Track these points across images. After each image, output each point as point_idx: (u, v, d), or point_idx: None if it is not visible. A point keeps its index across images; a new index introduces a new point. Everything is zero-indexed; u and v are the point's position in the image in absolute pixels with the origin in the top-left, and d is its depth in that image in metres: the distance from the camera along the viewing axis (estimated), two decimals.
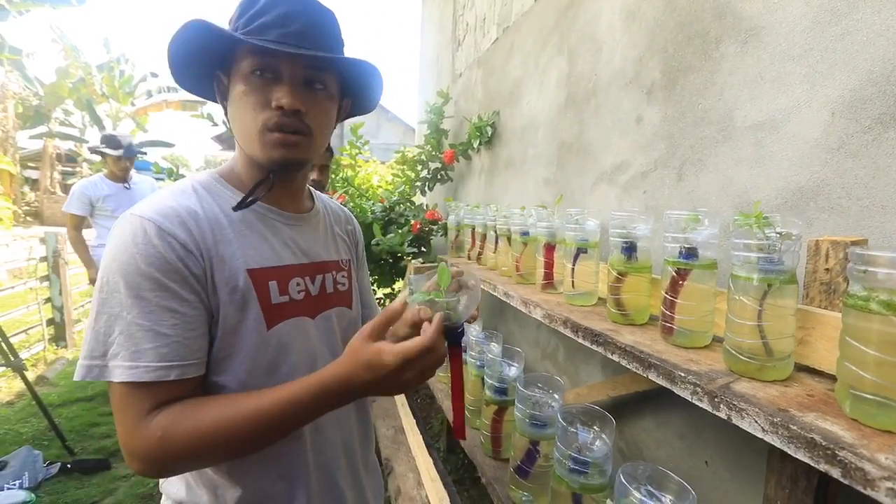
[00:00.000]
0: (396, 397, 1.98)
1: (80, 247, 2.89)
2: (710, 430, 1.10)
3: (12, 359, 2.39)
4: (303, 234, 0.75)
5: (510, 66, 2.24)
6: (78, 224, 2.85)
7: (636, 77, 1.34)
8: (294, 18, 0.63)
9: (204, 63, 0.67)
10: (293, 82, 0.64)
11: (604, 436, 0.91)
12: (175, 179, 2.91)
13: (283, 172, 0.70)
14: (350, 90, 0.77)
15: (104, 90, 13.43)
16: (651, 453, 1.28)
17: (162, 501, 0.71)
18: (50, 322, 3.96)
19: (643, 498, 0.72)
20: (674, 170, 1.20)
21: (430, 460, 1.42)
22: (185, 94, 13.66)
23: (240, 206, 0.67)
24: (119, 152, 2.81)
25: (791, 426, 0.58)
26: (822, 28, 0.85)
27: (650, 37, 1.29)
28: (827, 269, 0.74)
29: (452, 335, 0.63)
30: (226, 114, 0.71)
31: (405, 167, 3.07)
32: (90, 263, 2.89)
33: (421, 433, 1.66)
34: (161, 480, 0.71)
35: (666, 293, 0.90)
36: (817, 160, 0.86)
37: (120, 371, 0.55)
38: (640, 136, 1.33)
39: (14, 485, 2.12)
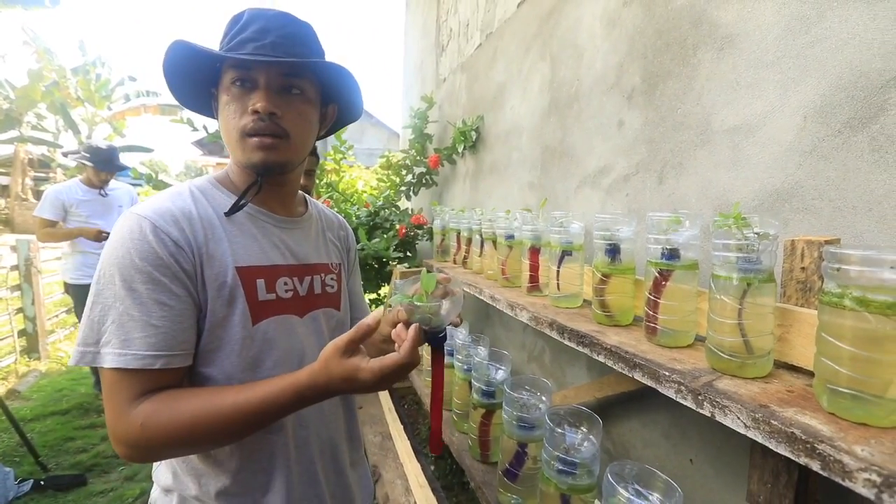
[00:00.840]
0: (383, 404, 1.96)
1: (56, 233, 2.71)
2: (694, 429, 1.11)
3: None
4: (293, 237, 0.79)
5: (494, 71, 2.26)
6: (48, 229, 2.74)
7: (617, 82, 1.37)
8: (268, 31, 0.68)
9: (199, 82, 0.73)
10: (268, 88, 0.69)
11: (591, 436, 0.92)
12: (154, 185, 2.85)
13: (268, 175, 0.73)
14: (334, 96, 0.80)
15: (79, 94, 13.09)
16: (638, 453, 1.30)
17: (153, 489, 0.75)
18: (22, 333, 3.81)
19: (631, 496, 0.72)
20: (655, 173, 1.23)
21: (419, 466, 1.41)
22: (163, 99, 13.41)
23: (232, 210, 0.71)
24: (104, 168, 2.73)
25: (772, 421, 0.60)
26: (794, 36, 0.88)
27: (630, 43, 1.31)
28: (803, 268, 0.76)
29: (434, 339, 0.65)
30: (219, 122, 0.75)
31: (390, 172, 3.07)
32: (71, 234, 2.71)
33: (409, 439, 1.64)
34: (153, 468, 0.76)
35: (649, 294, 0.91)
36: (791, 163, 0.89)
37: (111, 357, 0.59)
38: (622, 140, 1.35)
39: None
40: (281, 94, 0.70)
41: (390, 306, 0.67)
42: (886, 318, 0.55)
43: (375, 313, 0.67)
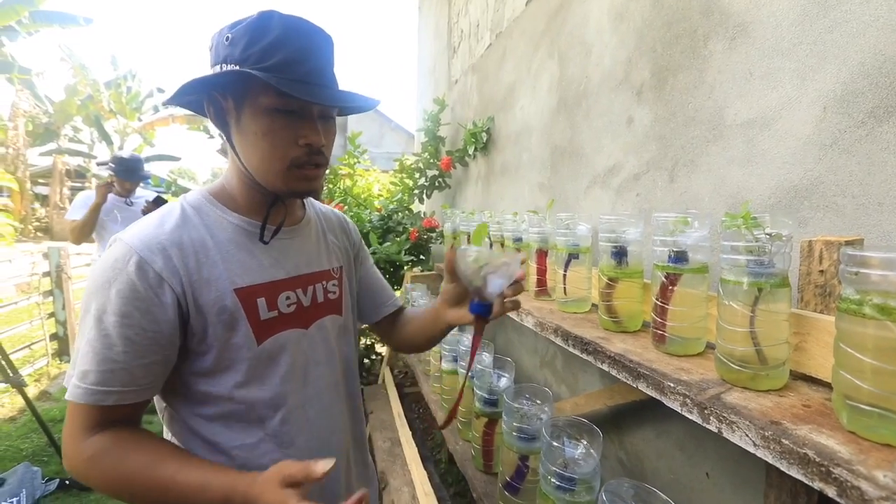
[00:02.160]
0: (393, 409, 1.94)
1: (81, 224, 2.64)
2: (711, 441, 1.05)
3: (11, 375, 2.39)
4: (293, 246, 0.77)
5: (503, 71, 2.23)
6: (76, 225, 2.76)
7: (626, 78, 1.32)
8: (309, 54, 0.65)
9: (200, 88, 0.68)
10: (315, 119, 0.67)
11: (592, 450, 0.88)
12: (175, 192, 2.92)
13: (298, 198, 0.76)
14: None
15: (112, 106, 13.67)
16: (651, 464, 1.24)
17: None
18: (53, 337, 3.97)
19: None
20: (666, 171, 1.17)
21: (425, 474, 1.38)
22: None
23: (272, 235, 0.72)
24: (128, 177, 2.76)
25: (783, 440, 0.54)
26: (811, 21, 0.82)
27: (638, 37, 1.26)
28: (821, 271, 0.70)
29: (480, 307, 0.68)
30: (227, 136, 0.70)
31: (403, 175, 3.06)
32: (91, 212, 2.62)
33: (417, 445, 1.62)
34: None
35: (656, 299, 0.86)
36: (810, 157, 0.83)
37: (70, 387, 0.60)
38: (632, 138, 1.30)
39: (11, 502, 2.10)
40: (323, 123, 0.69)
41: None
42: None
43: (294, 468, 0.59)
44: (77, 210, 2.73)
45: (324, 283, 0.81)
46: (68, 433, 0.61)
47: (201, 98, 0.69)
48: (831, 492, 0.49)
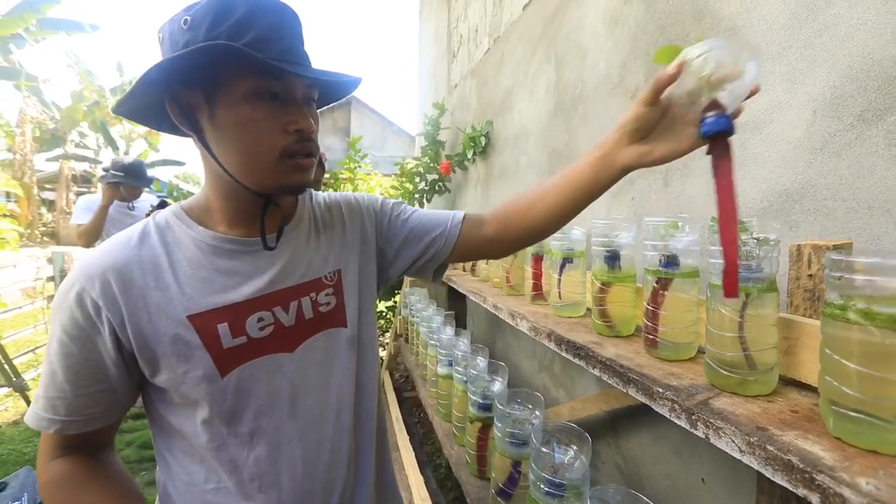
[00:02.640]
0: (392, 413, 1.94)
1: (88, 228, 2.64)
2: (706, 446, 1.04)
3: (14, 379, 2.41)
4: (273, 256, 0.66)
5: (501, 75, 2.24)
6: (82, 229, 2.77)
7: (621, 82, 1.32)
8: (283, 30, 0.57)
9: (165, 76, 0.56)
10: (300, 102, 0.61)
11: (581, 456, 0.87)
12: (176, 197, 2.95)
13: (291, 196, 0.69)
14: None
15: None
16: (648, 470, 1.23)
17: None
18: None
19: None
20: (660, 175, 1.17)
21: (422, 479, 1.38)
22: None
23: (277, 240, 0.67)
24: (140, 183, 2.76)
25: (768, 447, 0.54)
26: (800, 24, 0.82)
27: (633, 41, 1.26)
28: (810, 276, 0.70)
29: (722, 122, 0.53)
30: (199, 138, 0.60)
31: (404, 179, 3.07)
32: (98, 214, 2.62)
33: (415, 450, 1.62)
34: None
35: (647, 304, 0.86)
36: (801, 161, 0.82)
37: (29, 412, 0.61)
38: None
39: None
40: (307, 108, 0.62)
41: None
42: (895, 332, 0.49)
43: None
44: (81, 214, 2.74)
45: (312, 295, 0.69)
46: (39, 450, 0.62)
47: (159, 100, 0.59)
48: (815, 499, 0.49)
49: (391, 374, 2.53)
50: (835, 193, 0.77)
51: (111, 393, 0.61)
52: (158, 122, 0.65)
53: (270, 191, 0.62)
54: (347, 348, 0.72)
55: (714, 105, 0.55)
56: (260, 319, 0.63)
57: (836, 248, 0.67)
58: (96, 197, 2.83)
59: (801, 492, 0.50)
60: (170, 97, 0.58)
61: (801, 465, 0.50)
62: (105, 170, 2.76)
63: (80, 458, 0.62)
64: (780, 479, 0.53)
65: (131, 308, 0.57)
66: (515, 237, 0.79)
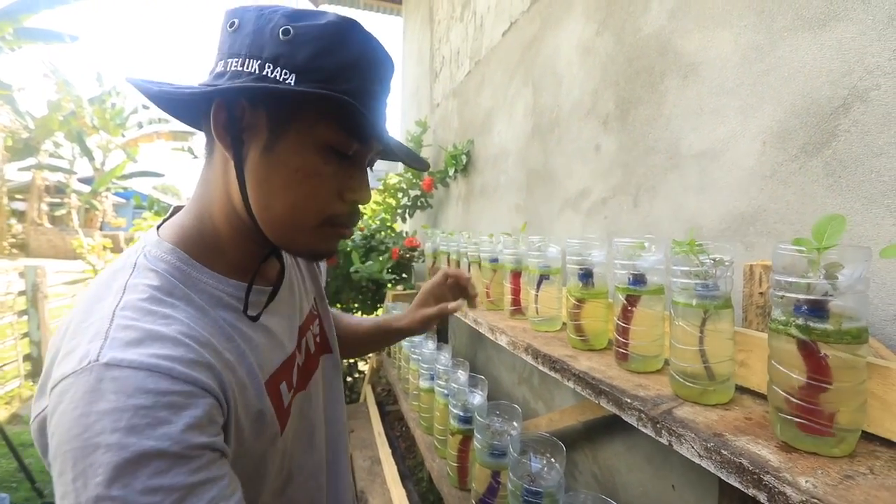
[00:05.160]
0: (374, 427, 1.95)
1: None
2: (676, 454, 1.09)
3: None
4: (289, 302, 0.63)
5: (482, 97, 2.32)
6: None
7: (593, 108, 1.40)
8: (385, 88, 0.52)
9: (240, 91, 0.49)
10: (366, 170, 0.55)
11: (556, 464, 0.91)
12: (157, 212, 2.91)
13: (310, 260, 0.68)
14: None
15: (95, 122, 13.55)
16: (623, 478, 1.27)
17: None
18: (27, 357, 3.87)
19: None
20: (630, 196, 1.24)
21: (404, 493, 1.39)
22: (175, 125, 13.81)
23: (264, 307, 0.55)
24: None
25: (723, 451, 0.59)
26: (750, 64, 0.90)
27: (603, 70, 1.35)
28: (761, 293, 0.76)
29: None
30: (236, 160, 0.49)
31: (387, 194, 3.11)
32: None
33: (397, 464, 1.63)
34: None
35: (618, 319, 0.92)
36: (754, 187, 0.90)
37: None
38: (599, 164, 1.37)
39: None
40: (366, 174, 0.56)
41: None
42: (828, 346, 0.55)
43: None
44: None
45: (311, 328, 0.69)
46: None
47: (205, 99, 0.48)
48: (762, 497, 0.54)
49: (373, 388, 2.54)
50: (783, 217, 0.85)
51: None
52: (190, 115, 0.56)
53: (292, 250, 0.54)
54: (335, 373, 0.75)
55: None
56: (297, 365, 0.61)
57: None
58: None
59: (751, 492, 0.55)
60: (221, 101, 0.47)
61: (750, 468, 0.55)
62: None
63: None
64: (733, 481, 0.58)
65: (232, 394, 0.44)
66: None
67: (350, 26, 0.47)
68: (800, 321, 0.57)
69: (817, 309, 0.56)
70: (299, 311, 0.66)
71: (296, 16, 0.47)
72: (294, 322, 0.63)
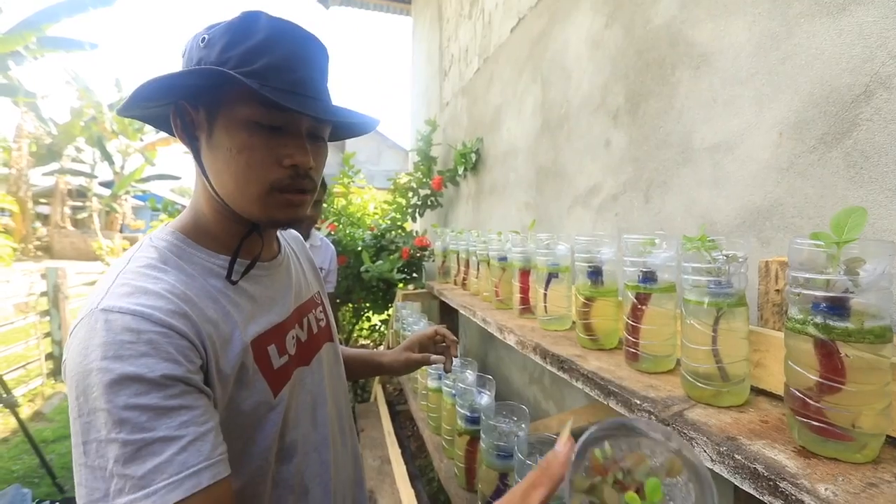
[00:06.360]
0: (384, 426, 1.95)
1: None
2: None
3: (4, 395, 2.39)
4: (284, 280, 0.70)
5: (491, 94, 2.30)
6: None
7: (603, 102, 1.37)
8: (300, 61, 0.56)
9: (175, 94, 0.57)
10: (304, 136, 0.58)
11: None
12: (171, 214, 2.97)
13: (279, 229, 0.67)
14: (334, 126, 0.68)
15: (114, 127, 13.87)
16: None
17: None
18: (49, 356, 3.97)
19: None
20: (641, 192, 1.21)
21: (412, 492, 1.38)
22: None
23: (242, 275, 0.61)
24: None
25: (736, 456, 0.57)
26: (765, 53, 0.87)
27: (613, 64, 1.32)
28: (777, 290, 0.73)
29: None
30: (195, 156, 0.59)
31: (397, 194, 3.11)
32: None
33: (407, 464, 1.62)
34: None
35: (627, 318, 0.89)
36: (770, 180, 0.86)
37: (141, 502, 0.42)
38: (610, 160, 1.34)
39: None
40: (312, 143, 0.60)
41: None
42: (849, 346, 0.52)
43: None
44: None
45: (313, 311, 0.76)
46: None
47: (166, 109, 0.59)
48: None
49: (384, 388, 2.54)
50: (801, 211, 0.81)
51: (219, 433, 0.50)
52: (168, 127, 0.64)
53: (257, 221, 0.61)
54: (337, 360, 0.81)
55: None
56: (293, 337, 0.67)
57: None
58: None
59: (766, 499, 0.53)
60: (174, 110, 0.58)
61: (766, 473, 0.53)
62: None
63: None
64: (747, 487, 0.55)
65: (210, 344, 0.52)
66: None
67: (254, 16, 0.55)
68: (818, 319, 0.54)
69: (837, 307, 0.53)
70: (296, 292, 0.72)
71: (215, 25, 0.56)
72: (288, 298, 0.69)
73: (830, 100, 0.76)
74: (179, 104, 0.57)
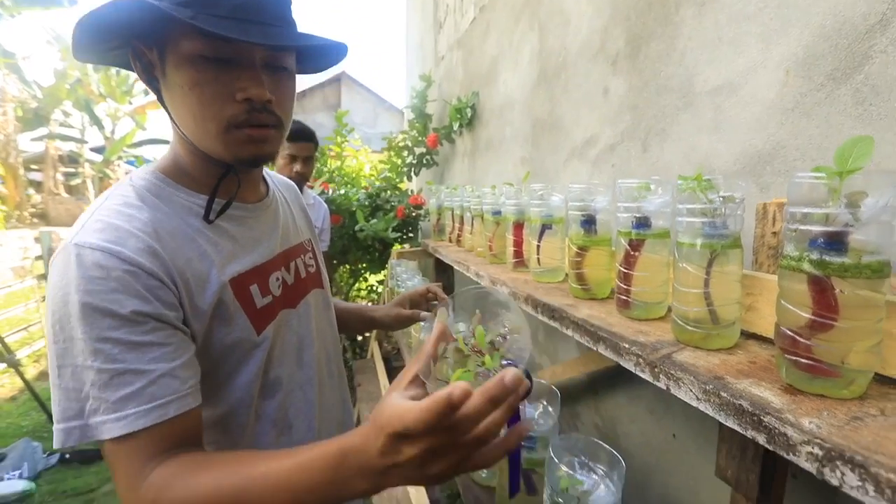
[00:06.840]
0: (381, 380, 1.98)
1: None
2: (677, 404, 1.08)
3: (7, 355, 2.43)
4: (269, 223, 0.71)
5: (487, 45, 2.20)
6: None
7: (602, 48, 1.30)
8: None
9: (117, 33, 0.54)
10: (257, 67, 0.55)
11: (550, 409, 0.90)
12: None
13: (249, 168, 0.64)
14: (300, 56, 0.65)
15: (101, 90, 13.42)
16: (624, 428, 1.27)
17: None
18: None
19: (571, 471, 0.71)
20: (639, 141, 1.17)
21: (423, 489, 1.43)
22: None
23: (217, 214, 0.61)
24: None
25: (722, 393, 0.56)
26: None
27: (613, 5, 1.24)
28: (774, 233, 0.71)
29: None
30: (158, 97, 0.59)
31: (392, 153, 3.04)
32: None
33: None
34: None
35: (620, 265, 0.88)
36: (773, 122, 0.83)
37: (107, 427, 0.47)
38: (608, 109, 1.29)
39: (14, 475, 2.17)
40: (271, 74, 0.57)
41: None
42: (845, 281, 0.51)
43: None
44: None
45: (302, 256, 0.77)
46: (121, 485, 0.48)
47: (125, 53, 0.57)
48: (761, 439, 0.51)
49: (380, 345, 2.58)
50: (804, 154, 0.78)
51: (193, 365, 0.53)
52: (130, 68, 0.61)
53: (224, 159, 0.58)
54: (327, 307, 0.82)
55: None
56: (277, 279, 0.68)
57: None
58: None
59: (749, 433, 0.53)
60: (132, 52, 0.56)
61: (750, 409, 0.53)
62: None
63: (183, 454, 0.49)
64: (731, 423, 0.55)
65: (182, 280, 0.54)
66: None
67: None
68: (814, 256, 0.53)
69: (835, 241, 0.51)
70: (283, 235, 0.73)
71: None
72: (272, 241, 0.70)
73: (843, 31, 0.71)
74: (135, 45, 0.55)
